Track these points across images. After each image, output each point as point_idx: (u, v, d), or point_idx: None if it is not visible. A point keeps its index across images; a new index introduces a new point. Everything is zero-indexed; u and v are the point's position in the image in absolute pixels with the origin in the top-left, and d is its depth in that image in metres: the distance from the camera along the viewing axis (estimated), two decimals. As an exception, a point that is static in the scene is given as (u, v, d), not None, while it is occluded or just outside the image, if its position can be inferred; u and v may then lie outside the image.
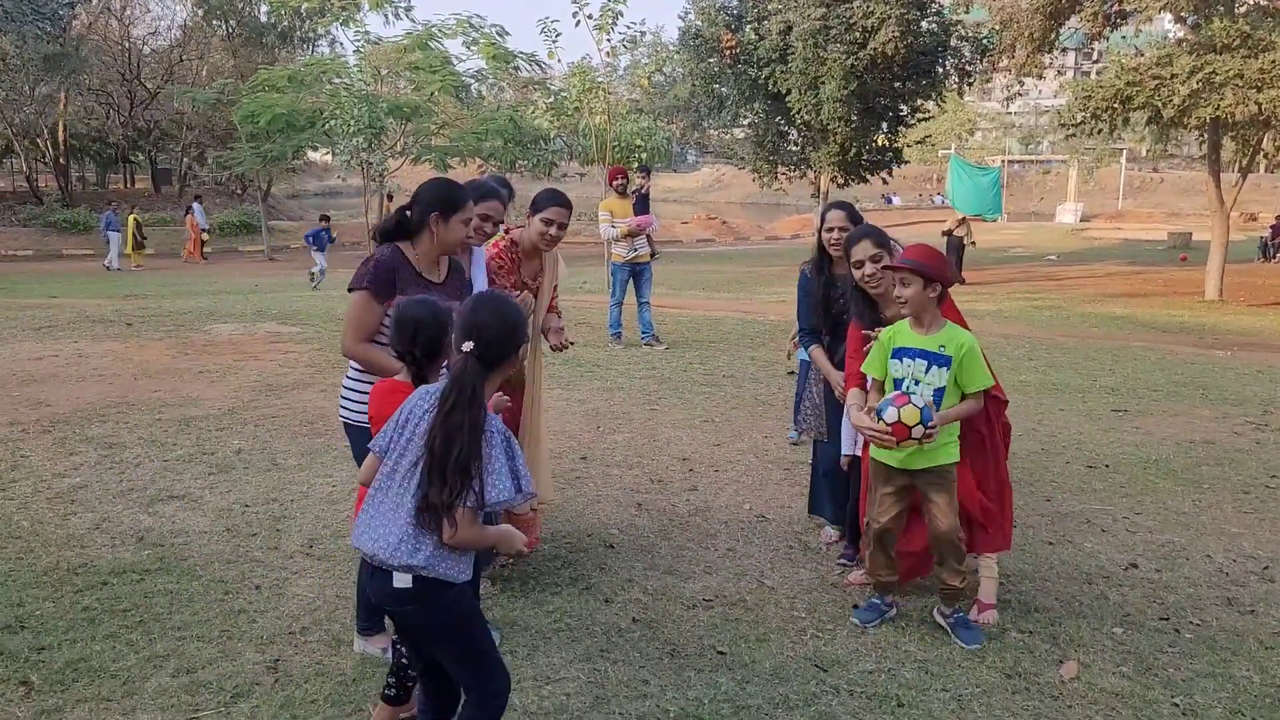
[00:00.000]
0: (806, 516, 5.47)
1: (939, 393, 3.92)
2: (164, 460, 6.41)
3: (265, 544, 4.95)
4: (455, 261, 3.97)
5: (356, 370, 3.77)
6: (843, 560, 4.83)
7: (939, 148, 58.05)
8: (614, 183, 10.83)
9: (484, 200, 4.14)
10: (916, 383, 3.96)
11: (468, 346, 2.59)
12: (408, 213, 3.73)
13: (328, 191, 53.26)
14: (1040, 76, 21.09)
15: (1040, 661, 3.84)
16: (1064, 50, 24.03)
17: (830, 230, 4.89)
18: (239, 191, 41.93)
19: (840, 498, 4.94)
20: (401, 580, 2.57)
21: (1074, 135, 20.30)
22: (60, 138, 39.13)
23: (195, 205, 29.91)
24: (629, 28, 23.13)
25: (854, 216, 4.89)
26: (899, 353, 4.03)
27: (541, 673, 3.66)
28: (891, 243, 4.47)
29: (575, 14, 16.74)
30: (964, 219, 21.79)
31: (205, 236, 29.30)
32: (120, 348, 10.48)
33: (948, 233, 21.25)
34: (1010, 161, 67.26)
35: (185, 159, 42.55)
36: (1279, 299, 18.40)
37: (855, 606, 4.29)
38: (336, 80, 27.30)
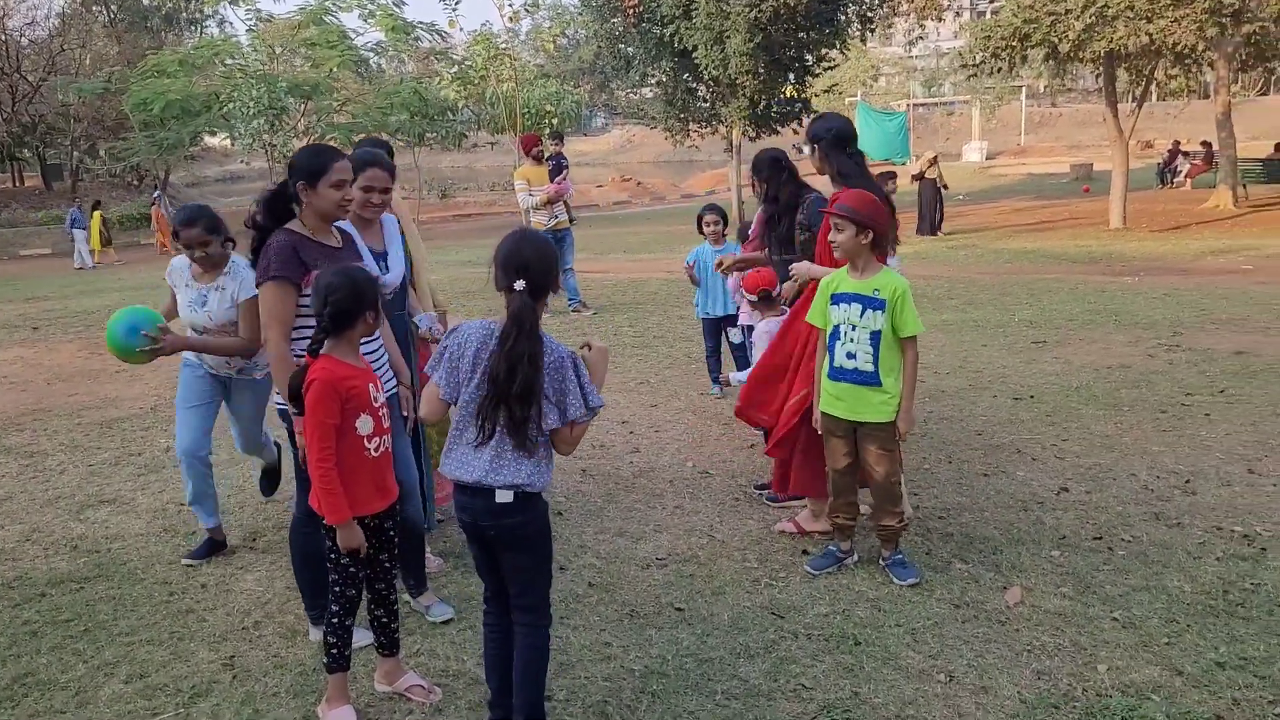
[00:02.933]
0: (750, 468, 5.56)
1: (875, 335, 3.98)
2: (89, 465, 6.24)
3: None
4: (344, 231, 3.77)
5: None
6: (761, 492, 5.16)
7: (846, 96, 58.63)
8: (531, 151, 10.71)
9: (365, 170, 3.91)
10: (853, 327, 4.03)
11: (520, 285, 2.74)
12: (289, 187, 3.55)
13: (229, 176, 51.67)
14: (940, 19, 21.40)
15: (986, 590, 3.96)
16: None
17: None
18: (135, 183, 40.54)
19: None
20: (504, 496, 2.82)
21: (975, 76, 20.63)
22: (-62, 137, 37.41)
23: (158, 194, 28.72)
24: (528, -9, 22.70)
25: (757, 167, 5.26)
26: (837, 298, 4.09)
27: (503, 645, 3.66)
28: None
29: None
30: (934, 159, 20.08)
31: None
32: (29, 353, 10.13)
33: (918, 176, 20.08)
34: (915, 105, 68.19)
35: (76, 153, 40.97)
36: (1179, 223, 19.03)
37: (805, 553, 4.38)
38: (230, 62, 26.51)
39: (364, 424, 3.08)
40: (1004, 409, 6.64)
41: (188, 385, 4.66)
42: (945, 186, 20.25)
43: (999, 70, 19.24)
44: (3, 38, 39.65)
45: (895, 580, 4.04)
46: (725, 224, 6.99)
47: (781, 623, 3.74)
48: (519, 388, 2.71)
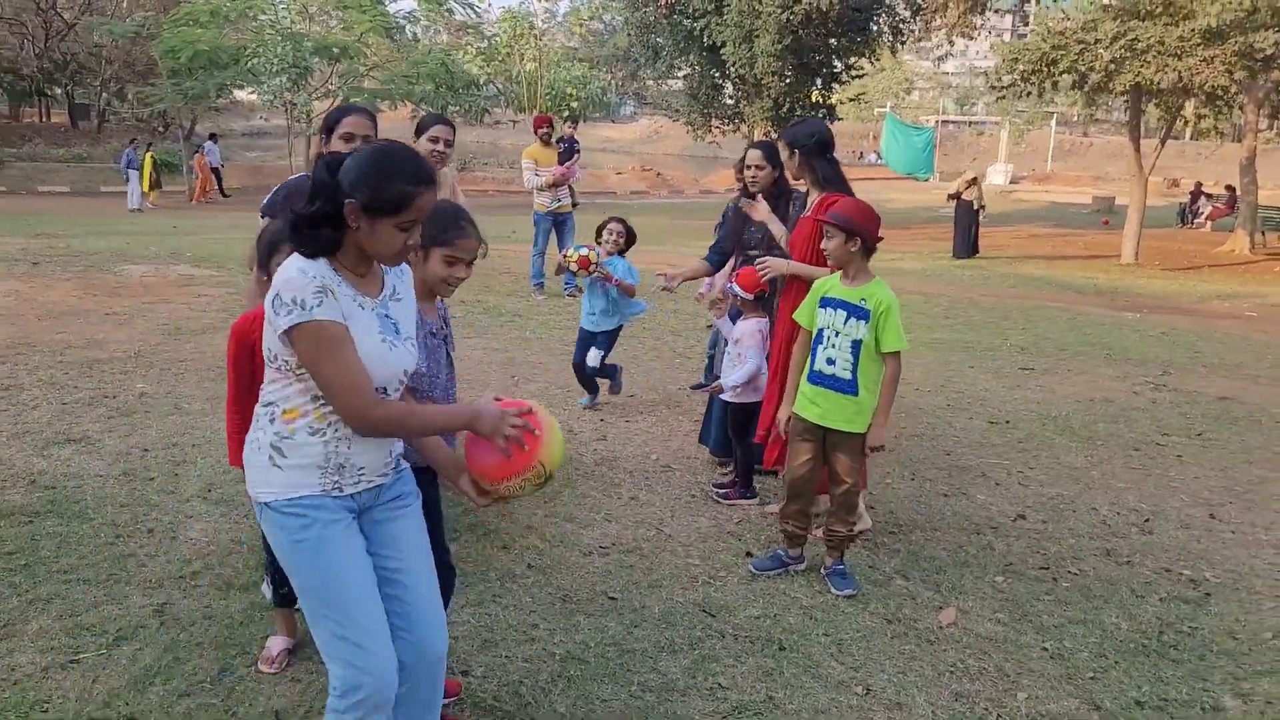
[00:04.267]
0: (711, 467, 5.56)
1: (856, 345, 3.97)
2: (63, 403, 6.26)
3: (162, 488, 4.88)
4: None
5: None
6: (718, 490, 5.18)
7: (875, 106, 58.47)
8: (539, 130, 10.71)
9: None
10: (836, 333, 4.02)
11: None
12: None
13: (254, 131, 51.74)
14: (971, 37, 21.28)
15: (921, 608, 3.96)
16: (997, 11, 24.23)
17: (749, 168, 5.11)
18: (161, 129, 40.64)
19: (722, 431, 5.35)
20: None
21: (1004, 98, 20.55)
22: (-31, 68, 37.54)
23: (209, 144, 28.61)
24: (563, -27, 22.71)
25: (771, 156, 5.10)
26: (825, 302, 4.09)
27: (432, 617, 3.68)
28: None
29: (507, -43, 16.41)
30: (975, 180, 19.26)
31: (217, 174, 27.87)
32: (24, 287, 10.17)
33: (954, 196, 19.04)
34: (945, 122, 67.92)
35: (104, 94, 41.08)
36: (1192, 264, 18.95)
37: (749, 554, 4.38)
38: (262, 17, 26.48)
39: None
40: (977, 432, 6.63)
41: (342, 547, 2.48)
42: (983, 208, 19.44)
43: (1027, 94, 19.13)
44: (41, -28, 39.78)
45: (832, 590, 4.04)
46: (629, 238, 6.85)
47: (711, 621, 3.75)
48: None
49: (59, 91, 46.37)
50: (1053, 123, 57.99)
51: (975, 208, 18.90)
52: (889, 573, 4.29)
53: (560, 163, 10.79)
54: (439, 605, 2.63)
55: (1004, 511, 5.15)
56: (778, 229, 4.96)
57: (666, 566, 4.24)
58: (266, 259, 3.07)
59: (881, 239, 4.04)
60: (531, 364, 7.86)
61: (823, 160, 4.61)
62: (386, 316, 2.43)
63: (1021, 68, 16.75)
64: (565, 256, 6.53)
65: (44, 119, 48.34)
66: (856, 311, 3.99)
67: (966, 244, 18.78)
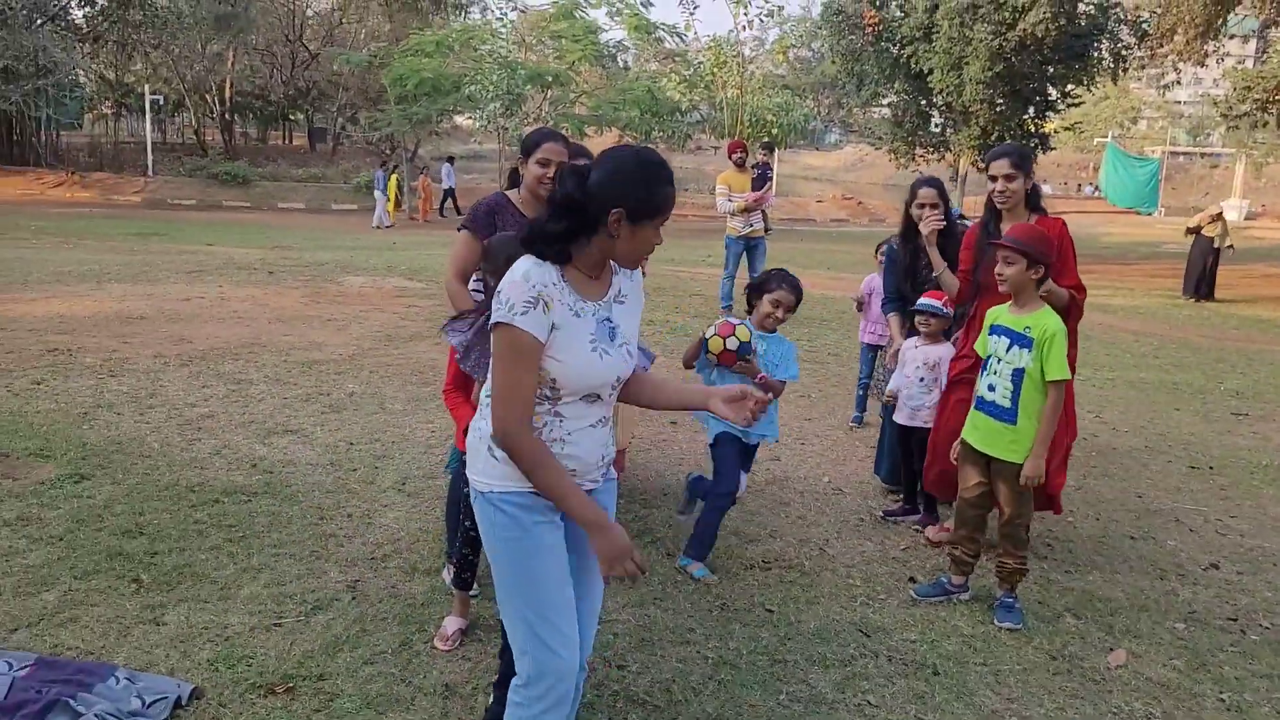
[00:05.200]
0: (882, 491, 5.55)
1: (1018, 373, 3.93)
2: (284, 398, 6.87)
3: (363, 479, 5.31)
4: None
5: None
6: (892, 516, 5.19)
7: (1094, 135, 55.70)
8: (733, 156, 10.89)
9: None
10: (999, 360, 4.00)
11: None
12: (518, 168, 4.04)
13: (473, 155, 54.52)
14: (1202, 64, 20.07)
15: (1090, 648, 3.84)
16: (1231, 37, 22.74)
17: (921, 206, 5.05)
18: (388, 151, 43.48)
19: (895, 460, 5.30)
20: None
21: (1238, 127, 19.29)
22: (226, 94, 41.35)
23: (446, 166, 29.68)
24: (766, 1, 22.83)
25: (943, 194, 5.07)
26: (994, 329, 4.09)
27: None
28: (1030, 170, 4.64)
29: (714, -13, 16.75)
30: (1219, 215, 16.89)
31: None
32: (260, 293, 11.16)
33: (1194, 230, 16.80)
34: (1175, 153, 63.94)
35: (339, 119, 44.31)
36: None
37: (912, 580, 4.36)
38: (483, 47, 27.98)
39: None
40: (1175, 476, 6.30)
41: (546, 548, 2.54)
42: (1231, 247, 17.06)
43: (1265, 124, 17.87)
44: (291, 7, 43.44)
45: (995, 621, 3.97)
46: None
47: (866, 640, 3.77)
48: None
49: (300, 116, 50.33)
50: (1297, 154, 53.59)
51: (1216, 245, 16.72)
52: (1059, 610, 4.17)
53: (754, 188, 10.92)
54: (596, 615, 2.74)
55: (1195, 559, 4.89)
56: (949, 280, 4.88)
57: (826, 585, 4.27)
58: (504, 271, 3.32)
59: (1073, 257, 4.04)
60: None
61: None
62: (607, 320, 2.46)
63: (1255, 96, 15.67)
64: (711, 341, 4.32)
65: (287, 141, 52.55)
66: (1020, 339, 3.94)
67: (1202, 284, 16.67)
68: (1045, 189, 58.85)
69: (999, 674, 3.59)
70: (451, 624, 3.65)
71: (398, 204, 27.46)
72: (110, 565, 4.06)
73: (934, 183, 5.19)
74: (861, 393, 7.04)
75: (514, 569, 2.49)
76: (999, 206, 4.59)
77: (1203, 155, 68.00)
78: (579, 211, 2.36)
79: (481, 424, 2.52)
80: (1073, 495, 5.68)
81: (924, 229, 4.99)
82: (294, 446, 5.82)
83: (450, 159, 31.26)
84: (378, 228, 25.34)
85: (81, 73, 36.46)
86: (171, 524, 4.54)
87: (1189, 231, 16.98)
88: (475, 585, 3.70)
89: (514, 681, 2.53)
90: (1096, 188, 48.49)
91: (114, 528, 4.45)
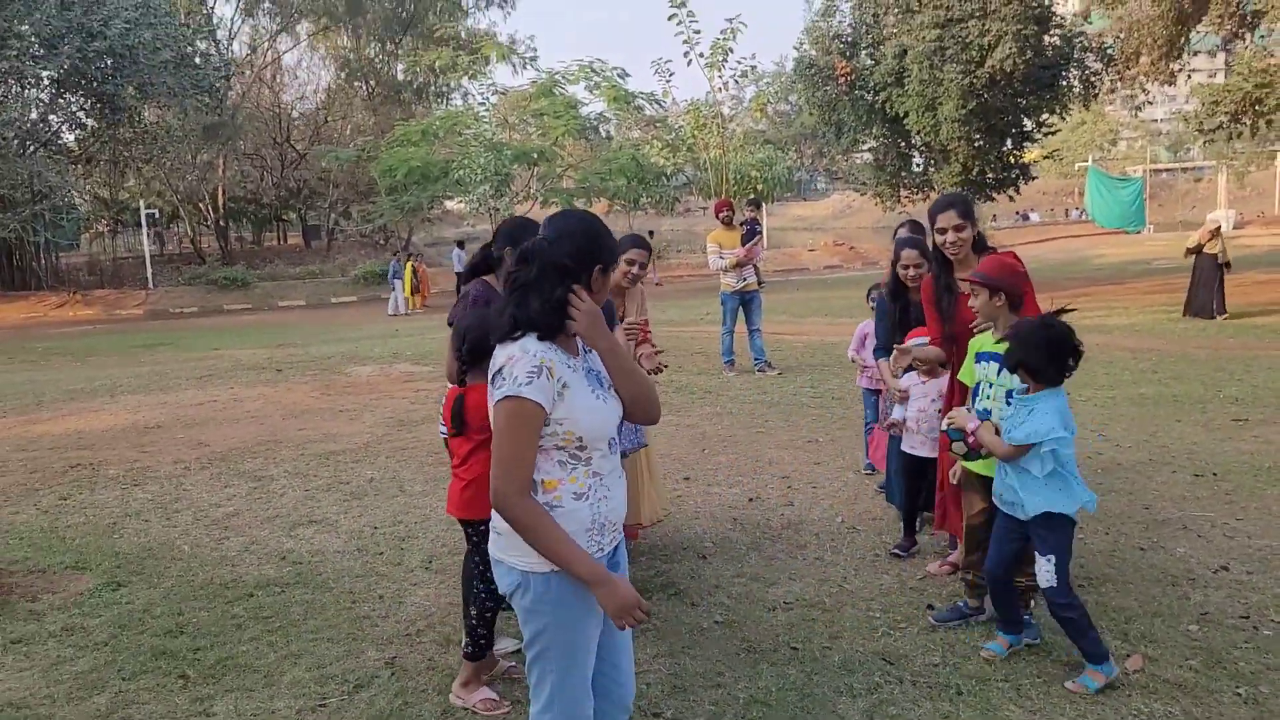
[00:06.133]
0: (897, 527, 5.68)
1: (1010, 394, 4.10)
2: (306, 490, 7.04)
3: (390, 560, 5.46)
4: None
5: None
6: (896, 551, 5.30)
7: (1075, 160, 56.37)
8: (720, 215, 11.19)
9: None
10: (990, 385, 4.17)
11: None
12: (491, 250, 4.18)
13: (465, 238, 55.24)
14: (1170, 83, 20.50)
15: (1107, 656, 3.95)
16: (1196, 53, 23.24)
17: (906, 268, 5.23)
18: (382, 242, 44.08)
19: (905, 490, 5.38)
20: None
21: (1212, 141, 19.65)
22: (220, 201, 42.05)
23: (457, 250, 29.45)
24: (739, 63, 23.35)
25: (925, 253, 5.17)
26: (980, 356, 4.26)
27: (627, 667, 4.00)
28: (975, 217, 4.71)
29: (686, 54, 17.27)
30: (1217, 230, 16.76)
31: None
32: (271, 391, 11.38)
33: (1194, 250, 16.61)
34: (1157, 170, 64.58)
35: (332, 214, 45.01)
36: None
37: (930, 607, 4.49)
38: (467, 131, 28.60)
39: None
40: (1181, 485, 6.42)
41: (595, 615, 2.65)
42: (1228, 264, 16.64)
43: (1239, 135, 18.22)
44: (277, 111, 44.39)
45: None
46: None
47: (890, 668, 3.90)
48: None
49: (293, 216, 51.09)
50: (1277, 162, 54.23)
51: (1221, 262, 16.49)
52: (1075, 623, 4.29)
53: (743, 244, 11.19)
54: (631, 654, 2.85)
55: (1204, 564, 5.01)
56: (930, 355, 4.87)
57: (848, 619, 4.40)
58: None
59: (1027, 292, 4.19)
60: (722, 437, 8.18)
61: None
62: (591, 370, 2.61)
63: (1224, 110, 16.02)
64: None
65: (282, 241, 53.29)
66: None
67: (1214, 301, 16.30)
68: (1033, 217, 59.40)
69: (1020, 689, 3.71)
70: (481, 693, 3.78)
71: (415, 290, 27.74)
72: (156, 664, 4.21)
73: (915, 243, 5.35)
74: (869, 437, 7.12)
75: (555, 639, 2.56)
76: (950, 257, 4.62)
77: (1184, 170, 68.73)
78: (572, 277, 2.54)
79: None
80: (1082, 512, 5.79)
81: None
82: (320, 536, 5.97)
83: (460, 243, 31.67)
84: (394, 315, 25.75)
85: (76, 194, 37.16)
86: (210, 620, 4.69)
87: (1189, 252, 16.82)
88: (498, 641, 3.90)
89: None
90: (1083, 212, 48.95)
91: (155, 629, 4.60)
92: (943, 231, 4.58)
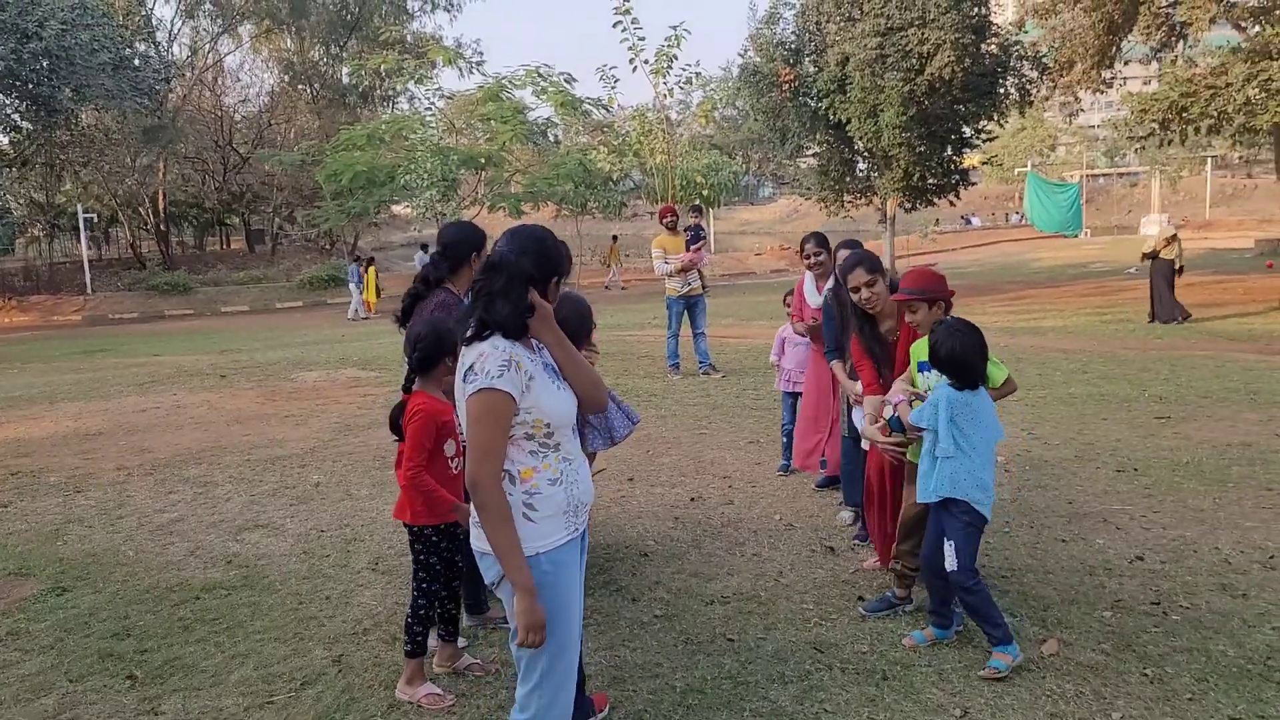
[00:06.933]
0: (832, 523, 5.88)
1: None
2: (251, 495, 7.07)
3: (336, 563, 5.54)
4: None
5: None
6: (856, 539, 5.56)
7: (1015, 166, 57.50)
8: (664, 220, 11.36)
9: None
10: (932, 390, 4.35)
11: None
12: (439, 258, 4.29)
13: (412, 243, 54.94)
14: (1103, 91, 21.07)
15: (1024, 641, 4.16)
16: (1126, 62, 23.89)
17: (856, 290, 5.08)
18: (328, 247, 43.72)
19: (856, 484, 5.50)
20: None
21: (1143, 148, 20.21)
22: (160, 205, 41.41)
23: (420, 254, 29.23)
24: (684, 69, 23.57)
25: (875, 267, 4.95)
26: (922, 366, 4.43)
27: (569, 661, 4.13)
28: (884, 269, 4.90)
29: (631, 60, 17.43)
30: (1174, 236, 16.71)
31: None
32: (214, 398, 11.33)
33: (1151, 254, 16.68)
34: (1094, 175, 66.12)
35: (276, 219, 44.54)
36: (1362, 302, 17.97)
37: (861, 599, 4.68)
38: (413, 136, 28.51)
39: (449, 447, 3.81)
40: (1103, 480, 6.70)
41: (578, 591, 2.92)
42: (1180, 269, 16.67)
43: (1168, 142, 18.78)
44: (219, 114, 43.83)
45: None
46: None
47: (820, 656, 4.07)
48: None
49: (236, 220, 50.46)
50: (1208, 168, 55.82)
51: (1178, 267, 16.62)
52: (996, 611, 4.50)
53: (687, 249, 11.37)
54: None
55: (1121, 554, 5.26)
56: (871, 406, 4.91)
57: (782, 611, 4.58)
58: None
59: (954, 293, 4.39)
60: (666, 439, 8.33)
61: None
62: (547, 364, 2.80)
63: (1152, 118, 16.55)
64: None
65: (224, 246, 52.61)
66: None
67: (1171, 306, 16.43)
68: (975, 221, 60.17)
69: (942, 673, 3.90)
70: (423, 688, 3.89)
71: (377, 293, 27.57)
72: (103, 666, 4.26)
73: (861, 260, 5.14)
74: (786, 440, 7.14)
75: (554, 615, 2.72)
76: (870, 312, 4.79)
77: (1120, 175, 70.39)
78: (536, 285, 2.75)
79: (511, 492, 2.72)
80: (1008, 507, 6.05)
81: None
82: (266, 540, 6.03)
83: (424, 246, 31.41)
84: (353, 320, 25.62)
85: (11, 198, 36.36)
86: (156, 623, 4.74)
87: (1145, 256, 17.11)
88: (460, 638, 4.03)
89: (514, 709, 2.84)
90: (1023, 216, 49.98)
91: (101, 632, 4.64)
92: (856, 290, 4.75)
